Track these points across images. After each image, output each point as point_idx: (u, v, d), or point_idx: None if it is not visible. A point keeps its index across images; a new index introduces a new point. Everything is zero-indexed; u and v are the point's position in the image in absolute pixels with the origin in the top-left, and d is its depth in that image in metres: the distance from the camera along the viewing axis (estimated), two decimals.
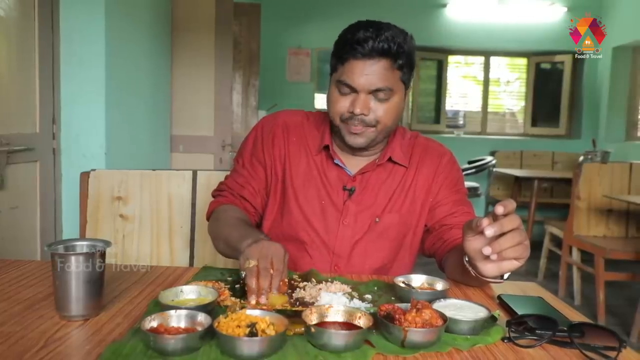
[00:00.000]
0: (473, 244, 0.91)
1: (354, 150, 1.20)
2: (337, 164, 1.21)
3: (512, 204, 0.85)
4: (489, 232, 0.83)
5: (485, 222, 0.84)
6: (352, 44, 1.07)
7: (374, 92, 1.09)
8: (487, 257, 0.87)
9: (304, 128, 1.26)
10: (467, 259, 0.95)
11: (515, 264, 0.89)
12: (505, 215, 0.84)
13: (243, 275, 0.90)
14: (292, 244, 1.17)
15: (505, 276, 0.95)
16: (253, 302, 0.86)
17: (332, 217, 1.19)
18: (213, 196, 1.29)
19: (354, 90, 1.10)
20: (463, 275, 1.03)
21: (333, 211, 1.20)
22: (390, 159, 1.21)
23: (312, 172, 1.21)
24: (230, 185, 1.25)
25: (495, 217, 0.85)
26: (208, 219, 1.26)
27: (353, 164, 1.21)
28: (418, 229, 1.23)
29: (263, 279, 0.87)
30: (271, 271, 0.88)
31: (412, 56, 1.12)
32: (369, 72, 1.08)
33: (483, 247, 0.86)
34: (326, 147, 1.21)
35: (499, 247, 0.85)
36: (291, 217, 1.20)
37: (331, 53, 1.15)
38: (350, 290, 0.98)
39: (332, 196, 1.20)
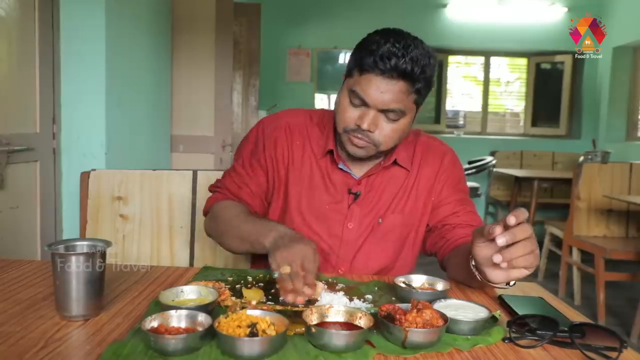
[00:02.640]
0: (483, 250, 0.91)
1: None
2: (341, 168, 1.19)
3: (523, 214, 0.84)
4: (501, 241, 0.82)
5: (497, 230, 0.83)
6: (375, 57, 1.01)
7: (385, 111, 1.06)
8: (495, 264, 0.86)
9: (307, 130, 1.23)
10: (474, 264, 0.95)
11: (524, 273, 0.88)
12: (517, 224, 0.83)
13: (275, 276, 0.93)
14: None
15: (512, 282, 0.95)
16: (290, 299, 0.89)
17: (336, 221, 1.18)
18: (210, 191, 1.28)
19: (365, 103, 1.06)
20: (467, 278, 1.03)
21: (337, 215, 1.18)
22: (395, 161, 1.20)
23: (315, 176, 1.20)
24: (228, 185, 1.23)
25: (506, 226, 0.84)
26: (205, 214, 1.25)
27: (358, 167, 1.20)
28: (420, 228, 1.23)
29: (297, 282, 0.90)
30: (302, 273, 0.91)
31: (432, 79, 1.08)
32: (384, 91, 1.03)
33: (493, 254, 0.85)
34: (330, 152, 1.19)
35: (510, 255, 0.84)
36: (292, 223, 1.18)
37: (351, 53, 1.10)
38: (342, 287, 0.98)
39: (337, 200, 1.19)
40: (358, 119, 1.07)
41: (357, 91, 1.05)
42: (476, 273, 0.95)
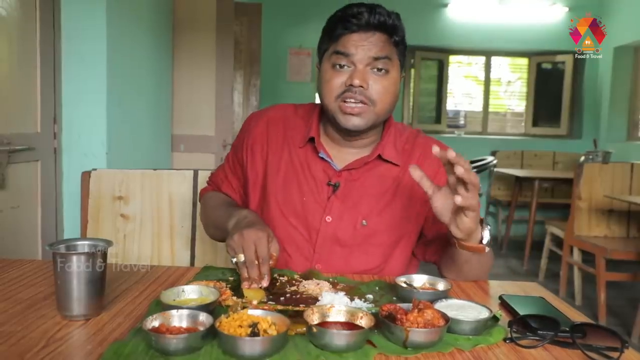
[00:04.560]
0: (439, 200, 0.94)
1: (349, 135, 1.11)
2: (322, 158, 1.13)
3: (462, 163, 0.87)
4: (435, 149, 0.89)
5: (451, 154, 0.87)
6: (344, 19, 1.03)
7: (373, 62, 1.03)
8: (453, 211, 0.92)
9: (289, 121, 1.19)
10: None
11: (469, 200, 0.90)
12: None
13: (234, 262, 0.96)
14: None
15: (485, 240, 0.97)
16: (246, 286, 0.93)
17: (314, 214, 1.12)
18: (207, 183, 1.35)
19: (350, 63, 1.04)
20: (453, 261, 1.05)
21: (315, 207, 1.12)
22: (380, 157, 1.12)
23: (294, 167, 1.14)
24: (214, 179, 1.30)
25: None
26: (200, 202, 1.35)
27: (340, 158, 1.13)
28: (412, 237, 1.17)
29: (251, 271, 0.94)
30: (256, 262, 0.94)
31: (405, 38, 1.09)
32: (366, 43, 1.02)
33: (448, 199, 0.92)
34: (312, 140, 1.14)
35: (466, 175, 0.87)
36: (269, 214, 1.14)
37: (319, 41, 1.10)
38: (343, 287, 0.98)
39: (315, 192, 1.12)
40: (348, 79, 1.04)
41: (339, 50, 1.04)
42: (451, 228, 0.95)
